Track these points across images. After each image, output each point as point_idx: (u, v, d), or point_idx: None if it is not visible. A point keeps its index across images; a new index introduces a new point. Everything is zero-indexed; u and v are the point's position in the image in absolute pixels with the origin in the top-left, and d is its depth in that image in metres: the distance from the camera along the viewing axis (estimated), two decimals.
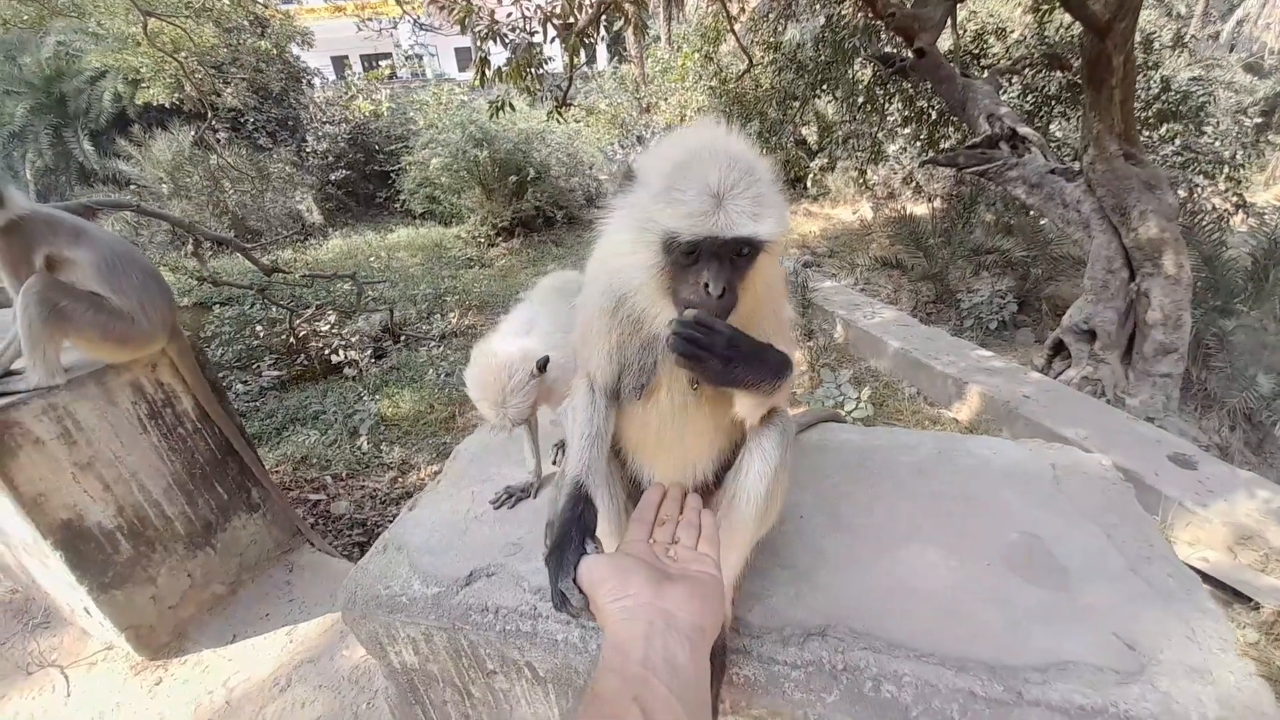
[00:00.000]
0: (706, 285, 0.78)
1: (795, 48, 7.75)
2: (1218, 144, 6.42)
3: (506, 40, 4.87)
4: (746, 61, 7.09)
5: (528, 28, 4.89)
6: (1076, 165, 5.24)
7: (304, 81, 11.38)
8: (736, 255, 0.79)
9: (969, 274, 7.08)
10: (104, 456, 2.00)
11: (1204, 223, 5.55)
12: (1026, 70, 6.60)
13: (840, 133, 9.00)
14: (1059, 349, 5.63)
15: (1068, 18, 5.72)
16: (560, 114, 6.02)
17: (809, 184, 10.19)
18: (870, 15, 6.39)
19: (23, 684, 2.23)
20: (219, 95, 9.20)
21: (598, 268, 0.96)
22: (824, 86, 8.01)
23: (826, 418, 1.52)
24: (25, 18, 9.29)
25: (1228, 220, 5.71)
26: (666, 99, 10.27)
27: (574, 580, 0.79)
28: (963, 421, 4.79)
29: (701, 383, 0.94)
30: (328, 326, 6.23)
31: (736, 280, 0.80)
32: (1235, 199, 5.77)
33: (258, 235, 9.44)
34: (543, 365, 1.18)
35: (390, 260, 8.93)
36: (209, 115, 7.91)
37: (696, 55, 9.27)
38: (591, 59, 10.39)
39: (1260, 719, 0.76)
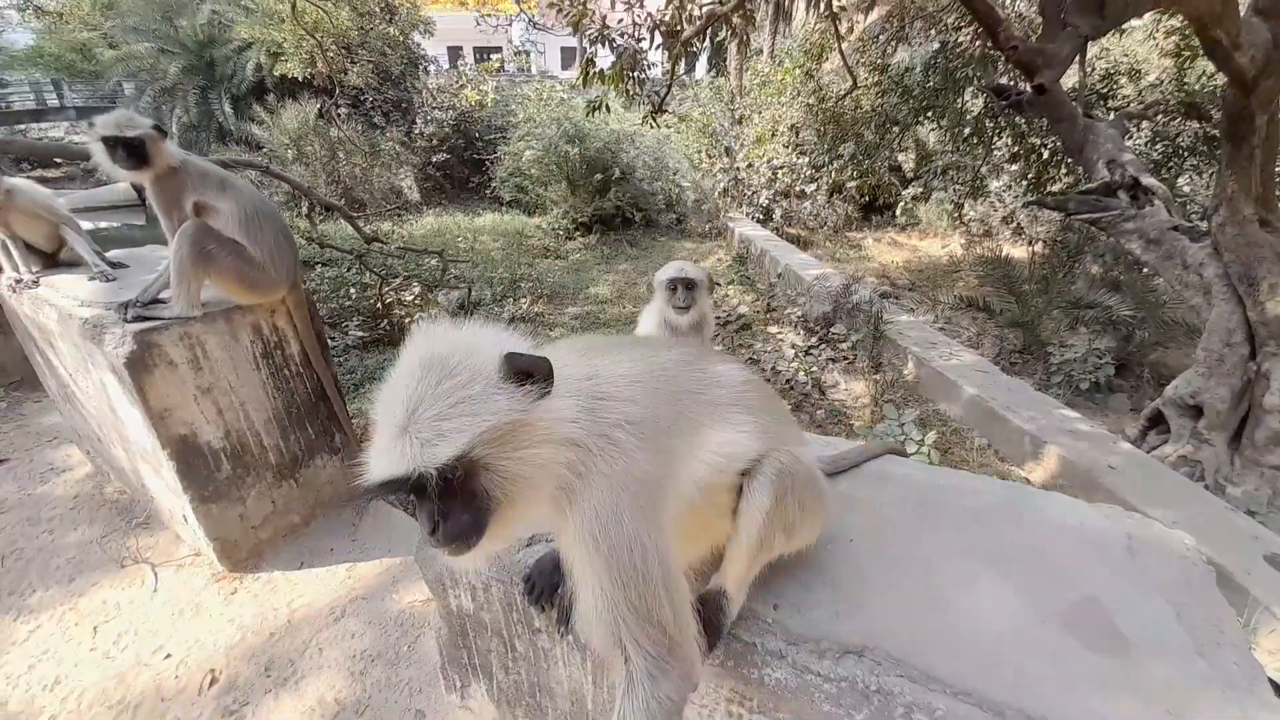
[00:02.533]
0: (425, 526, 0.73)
1: (903, 72, 7.54)
2: None
3: (614, 44, 5.05)
4: (850, 82, 6.96)
5: (636, 34, 5.04)
6: (1203, 225, 4.81)
7: (420, 68, 12.16)
8: (449, 480, 0.70)
9: (1064, 327, 6.61)
10: (222, 385, 2.26)
11: None
12: (1159, 117, 6.11)
13: (940, 163, 8.66)
14: (1157, 421, 5.18)
15: (1211, 65, 5.26)
16: (655, 119, 6.15)
17: (898, 212, 9.86)
18: (989, 46, 6.13)
19: (116, 575, 2.55)
20: (345, 74, 10.01)
21: None
22: (929, 114, 7.74)
23: (889, 450, 1.51)
24: None
25: None
26: (760, 112, 10.22)
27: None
28: (1035, 483, 4.50)
29: None
30: (411, 297, 6.65)
31: (469, 504, 0.73)
32: None
33: (362, 206, 10.18)
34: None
35: (474, 242, 9.39)
36: (335, 91, 8.61)
37: (798, 71, 9.18)
38: (691, 68, 10.50)
39: None
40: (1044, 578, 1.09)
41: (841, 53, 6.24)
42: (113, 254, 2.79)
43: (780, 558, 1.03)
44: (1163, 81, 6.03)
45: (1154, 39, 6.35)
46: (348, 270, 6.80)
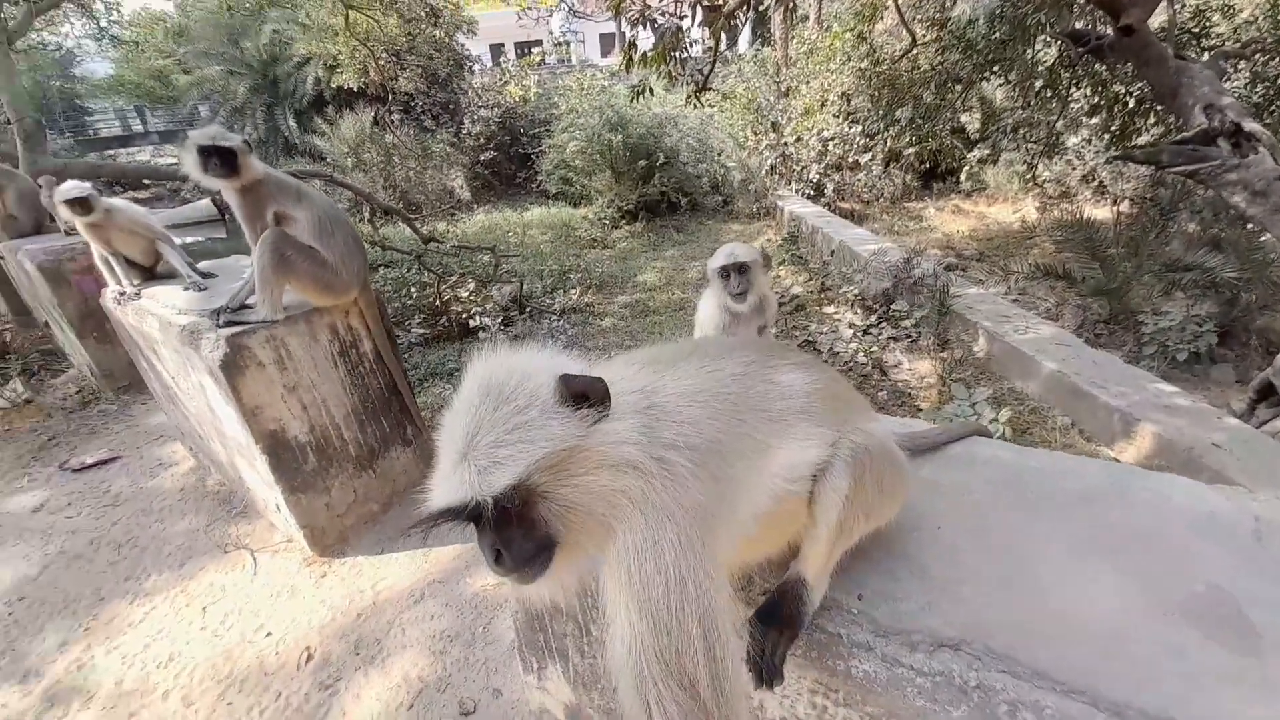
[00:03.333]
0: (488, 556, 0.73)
1: (966, 25, 7.02)
2: None
3: (655, 25, 4.95)
4: (909, 39, 6.56)
5: (678, 11, 4.93)
6: None
7: (465, 68, 12.41)
8: (506, 508, 0.69)
9: (1157, 293, 6.05)
10: (305, 382, 2.41)
11: None
12: (1258, 56, 5.43)
13: (1009, 121, 8.05)
14: (1267, 393, 4.67)
15: None
16: (699, 99, 6.02)
17: (962, 177, 9.27)
18: None
19: (220, 560, 2.78)
20: (396, 80, 10.35)
21: None
22: (995, 68, 7.18)
23: (973, 431, 1.42)
24: (248, 5, 11.05)
25: None
26: (808, 83, 9.82)
27: None
28: (1125, 462, 4.17)
29: None
30: (467, 293, 6.86)
31: (532, 531, 0.72)
32: None
33: (418, 208, 10.55)
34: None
35: (524, 236, 9.56)
36: (387, 98, 8.93)
37: (847, 35, 8.73)
38: (733, 42, 10.21)
39: None
40: (1159, 565, 1.00)
41: (898, 8, 5.88)
42: (202, 265, 3.01)
43: (860, 544, 0.99)
44: (1258, 17, 5.35)
45: None
46: (408, 271, 7.08)
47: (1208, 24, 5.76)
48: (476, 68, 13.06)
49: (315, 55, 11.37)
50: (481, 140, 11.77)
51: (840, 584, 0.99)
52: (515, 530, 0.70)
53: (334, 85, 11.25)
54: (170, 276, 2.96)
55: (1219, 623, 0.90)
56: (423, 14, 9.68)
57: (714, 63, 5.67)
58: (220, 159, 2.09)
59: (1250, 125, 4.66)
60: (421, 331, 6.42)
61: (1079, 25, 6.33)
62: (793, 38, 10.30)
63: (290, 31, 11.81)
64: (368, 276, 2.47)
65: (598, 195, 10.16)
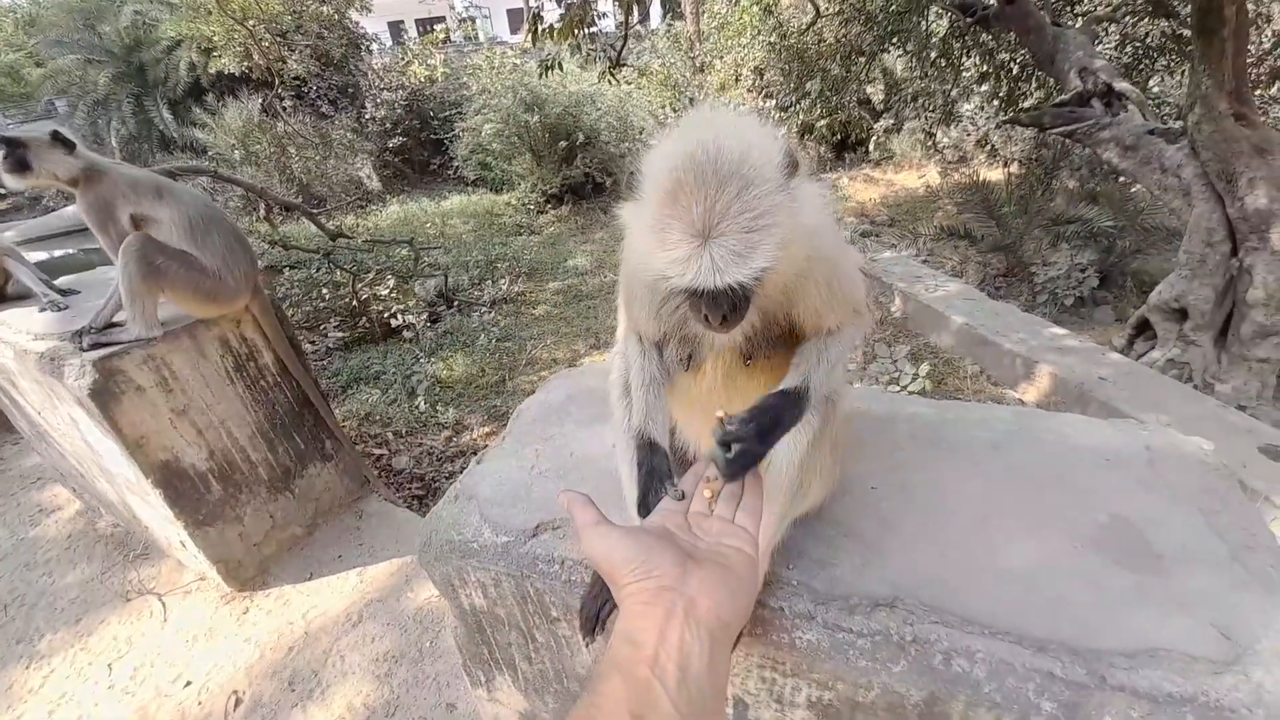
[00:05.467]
0: (708, 317, 0.76)
1: None
2: None
3: None
4: (813, 12, 6.69)
5: None
6: (1179, 126, 4.74)
7: (363, 48, 11.57)
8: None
9: (1046, 245, 6.59)
10: (197, 404, 2.17)
11: None
12: (1127, 18, 5.95)
13: (909, 91, 8.44)
14: (1143, 328, 5.22)
15: None
16: (614, 75, 5.89)
17: (871, 147, 9.67)
18: None
19: (122, 610, 2.50)
20: (284, 63, 9.49)
21: (630, 241, 0.93)
22: (894, 40, 7.49)
23: None
24: None
25: None
26: (722, 57, 9.87)
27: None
28: (1029, 403, 4.55)
29: (753, 357, 0.92)
30: (387, 291, 6.48)
31: (744, 302, 0.76)
32: None
33: (322, 201, 9.82)
34: None
35: (444, 227, 9.13)
36: (275, 83, 8.18)
37: (755, 9, 8.82)
38: (645, 17, 10.07)
39: None
40: (1069, 502, 1.06)
41: None
42: (62, 281, 2.63)
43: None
44: None
45: None
46: (316, 270, 6.58)
47: None
48: (375, 47, 12.20)
49: (187, 38, 10.21)
50: (388, 125, 11.07)
51: (779, 558, 0.98)
52: (736, 298, 0.75)
53: (212, 71, 10.18)
54: (23, 297, 2.57)
55: (1125, 549, 0.96)
56: None
57: (626, 38, 5.56)
58: (9, 152, 1.80)
59: (1120, 85, 5.10)
60: (340, 335, 6.01)
61: None
62: (703, 12, 10.28)
63: (154, 12, 10.53)
64: (259, 280, 2.23)
65: (519, 180, 9.84)
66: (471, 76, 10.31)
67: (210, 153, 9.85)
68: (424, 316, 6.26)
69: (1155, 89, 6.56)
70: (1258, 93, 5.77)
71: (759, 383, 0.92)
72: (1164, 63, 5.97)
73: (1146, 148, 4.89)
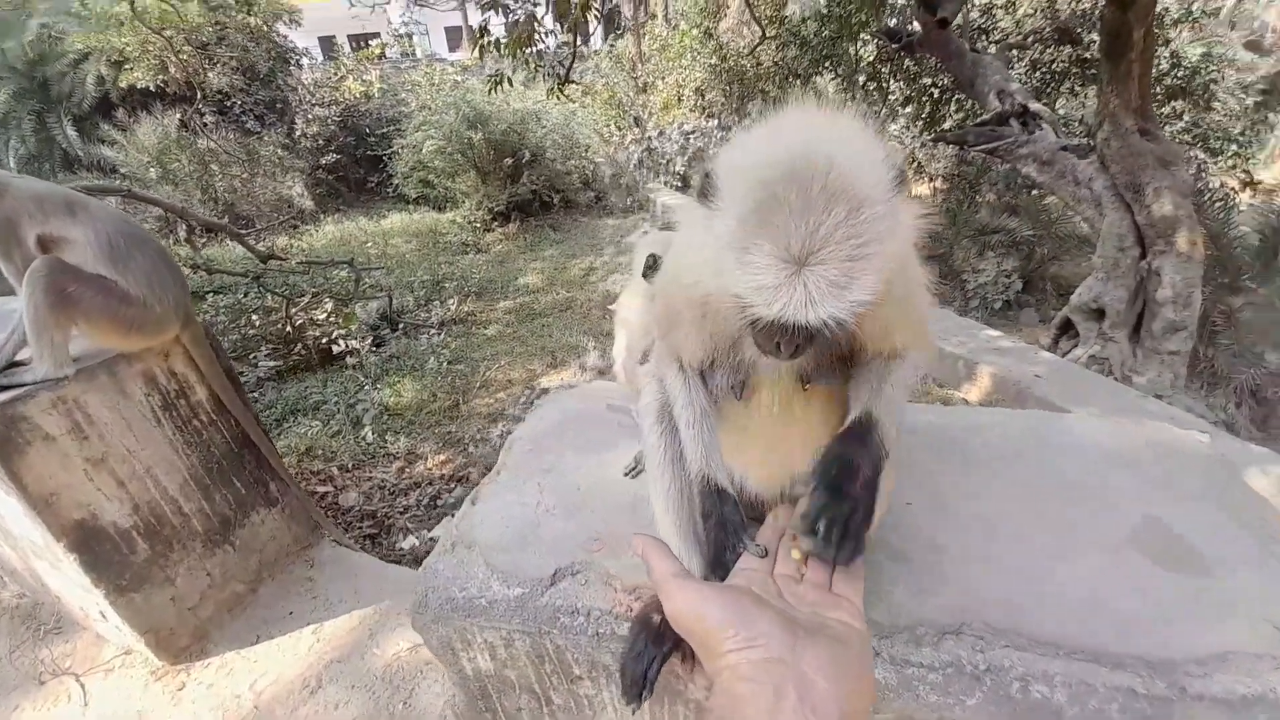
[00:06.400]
0: (780, 346, 0.67)
1: (800, 22, 7.59)
2: (1227, 121, 6.39)
3: (509, 11, 4.68)
4: (756, 35, 6.92)
5: None
6: (1089, 142, 5.18)
7: (292, 62, 11.00)
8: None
9: (974, 254, 7.02)
10: (117, 451, 1.88)
11: (1211, 200, 5.53)
12: (1036, 45, 6.50)
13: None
14: (1066, 328, 5.61)
15: None
16: (562, 91, 5.85)
17: None
18: None
19: (35, 694, 2.13)
20: (204, 77, 8.87)
21: (683, 253, 0.84)
22: (827, 64, 7.86)
23: None
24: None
25: (1234, 197, 5.69)
26: (664, 78, 10.05)
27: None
28: (973, 402, 4.76)
29: (812, 380, 0.85)
30: (324, 315, 6.08)
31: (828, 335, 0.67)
32: (1244, 176, 5.74)
33: (249, 222, 9.16)
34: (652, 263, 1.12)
35: (385, 247, 8.74)
36: (196, 98, 7.61)
37: (695, 31, 9.05)
38: (588, 38, 10.11)
39: None
40: (1100, 507, 1.05)
41: (749, 3, 6.16)
42: None
43: None
44: (1036, 11, 6.40)
45: None
46: (245, 295, 6.09)
47: (994, 20, 6.75)
48: (306, 62, 11.63)
49: (95, 50, 9.35)
50: (320, 142, 10.52)
51: None
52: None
53: (123, 84, 9.35)
54: None
55: (1163, 550, 0.95)
56: (233, 0, 8.36)
57: (574, 55, 5.52)
58: None
59: (1035, 106, 5.52)
60: (272, 364, 5.56)
61: (892, 24, 7.12)
62: (644, 34, 10.47)
63: (62, 24, 9.60)
64: (190, 306, 1.98)
65: (464, 197, 9.59)
66: (410, 93, 9.99)
67: (121, 171, 9.01)
68: (367, 341, 5.90)
69: (1062, 110, 7.18)
70: (1155, 110, 6.41)
71: (817, 410, 0.84)
72: (1068, 85, 6.54)
73: (1061, 162, 5.31)
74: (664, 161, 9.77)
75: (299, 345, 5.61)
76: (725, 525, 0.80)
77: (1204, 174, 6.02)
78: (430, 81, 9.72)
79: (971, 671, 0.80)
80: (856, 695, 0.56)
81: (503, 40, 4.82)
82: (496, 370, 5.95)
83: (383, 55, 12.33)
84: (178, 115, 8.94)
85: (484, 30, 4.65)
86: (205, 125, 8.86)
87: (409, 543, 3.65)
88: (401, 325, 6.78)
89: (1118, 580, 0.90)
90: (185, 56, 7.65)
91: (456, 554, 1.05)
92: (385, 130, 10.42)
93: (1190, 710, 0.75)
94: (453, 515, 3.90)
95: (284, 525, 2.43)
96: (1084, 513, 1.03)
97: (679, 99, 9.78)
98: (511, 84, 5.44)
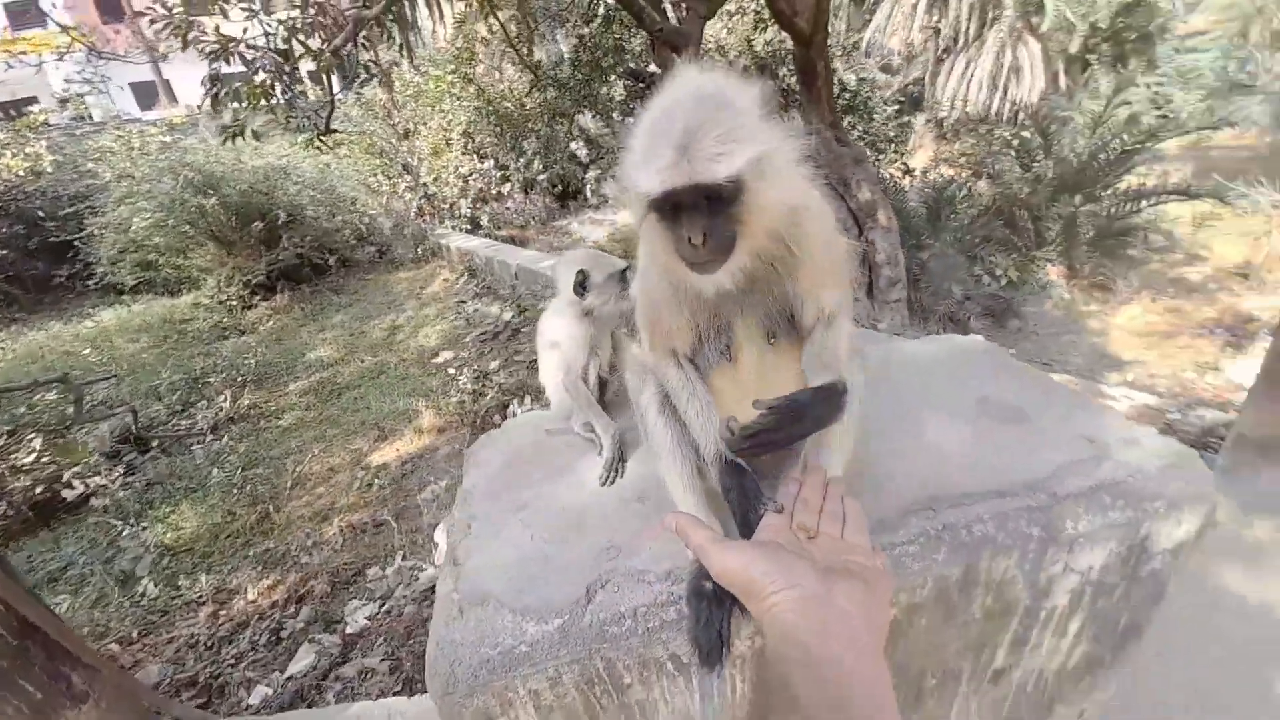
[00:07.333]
0: (689, 237, 0.79)
1: (554, 65, 8.13)
2: (884, 127, 8.65)
3: (245, 59, 4.14)
4: (532, 79, 7.22)
5: (271, 44, 4.22)
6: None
7: None
8: (717, 199, 0.77)
9: None
10: None
11: (889, 186, 7.42)
12: (776, 69, 7.98)
13: (608, 145, 9.70)
14: None
15: (771, 34, 7.11)
16: (323, 142, 5.36)
17: (589, 194, 10.75)
18: (621, 37, 7.06)
19: None
20: None
21: (643, 247, 0.97)
22: (585, 103, 8.56)
23: None
24: None
25: (900, 182, 7.74)
26: (426, 123, 9.79)
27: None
28: (932, 335, 5.63)
29: (776, 336, 1.00)
30: (31, 456, 4.60)
31: (725, 224, 0.80)
32: (903, 166, 7.84)
33: None
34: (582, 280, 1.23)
35: (108, 352, 6.88)
36: None
37: (451, 76, 9.04)
38: (351, 84, 9.21)
39: (1181, 459, 1.14)
40: (948, 393, 1.40)
41: (519, 52, 6.38)
42: None
43: None
44: (741, 53, 7.88)
45: (726, 19, 8.18)
46: None
47: (713, 60, 8.09)
48: None
49: None
50: None
51: None
52: (715, 219, 0.78)
53: None
54: None
55: (1005, 413, 1.32)
56: None
57: (332, 103, 5.10)
58: None
59: None
60: None
61: (634, 66, 8.07)
62: (395, 80, 10.07)
63: None
64: None
65: (204, 275, 8.06)
66: (101, 162, 8.03)
67: None
68: (116, 470, 4.60)
69: None
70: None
71: (788, 363, 0.99)
72: (776, 111, 8.17)
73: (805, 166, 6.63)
74: (447, 206, 9.50)
75: (3, 502, 4.13)
76: (746, 493, 0.92)
77: (879, 168, 8.05)
78: (128, 145, 7.95)
79: (935, 534, 1.03)
80: (880, 614, 0.70)
81: (240, 87, 4.25)
82: (311, 462, 5.17)
83: (45, 123, 9.53)
84: None
85: (216, 78, 4.05)
86: None
87: (258, 695, 3.00)
88: (157, 442, 5.45)
89: (984, 437, 1.23)
90: None
91: (470, 617, 0.95)
92: (68, 211, 8.20)
93: (1062, 507, 1.07)
94: (313, 640, 3.27)
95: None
96: (941, 400, 1.38)
97: (447, 143, 9.61)
98: (257, 136, 4.79)
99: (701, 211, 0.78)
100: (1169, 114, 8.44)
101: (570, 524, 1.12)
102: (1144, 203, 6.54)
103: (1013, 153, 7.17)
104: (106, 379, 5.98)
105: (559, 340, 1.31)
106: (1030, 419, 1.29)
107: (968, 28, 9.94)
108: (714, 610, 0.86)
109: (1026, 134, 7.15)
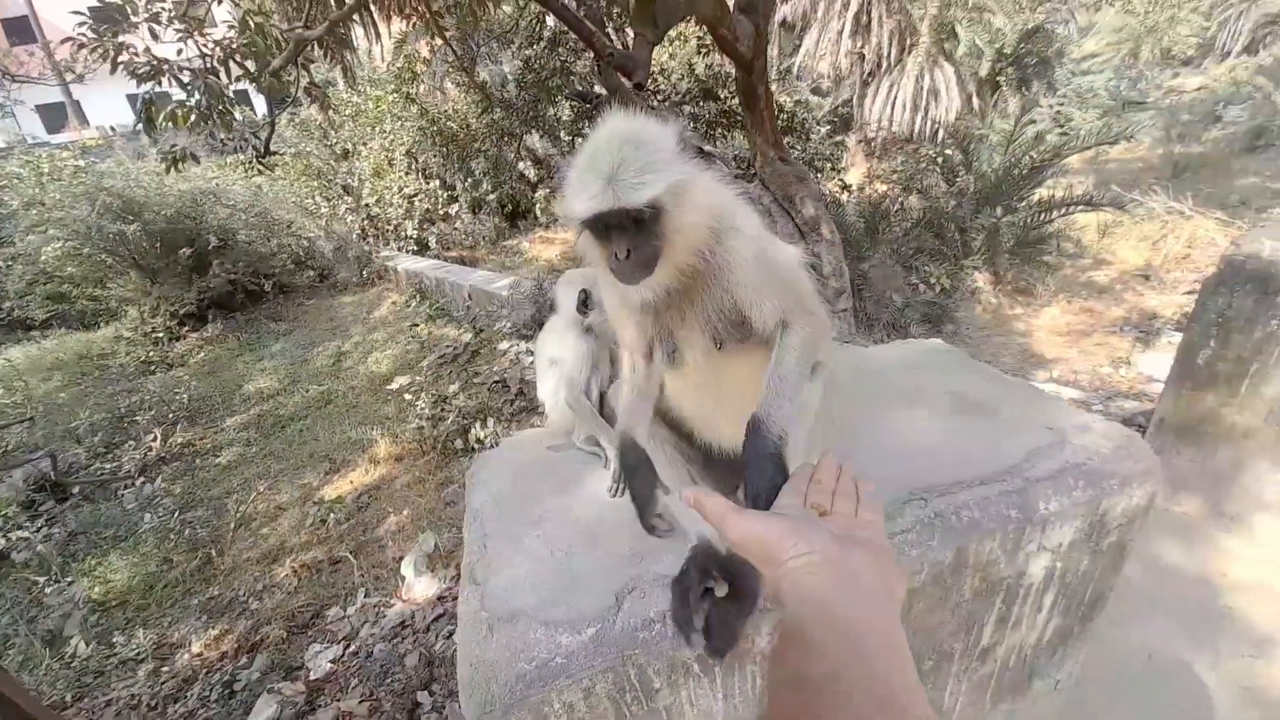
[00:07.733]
0: (616, 253, 0.92)
1: (501, 86, 8.13)
2: (820, 146, 9.12)
3: (184, 81, 3.94)
4: (481, 99, 7.16)
5: (207, 64, 4.04)
6: (751, 171, 6.83)
7: None
8: (639, 221, 0.90)
9: None
10: None
11: (829, 202, 7.82)
12: (691, 101, 8.27)
13: (556, 165, 9.76)
14: None
15: (713, 59, 7.41)
16: (262, 163, 5.15)
17: (538, 213, 10.74)
18: (566, 60, 7.17)
19: None
20: None
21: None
22: (533, 124, 8.58)
23: None
24: None
25: (840, 198, 8.17)
26: (366, 143, 9.53)
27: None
28: (899, 342, 5.77)
29: (724, 345, 1.06)
30: None
31: (647, 242, 0.91)
32: (840, 182, 8.28)
33: None
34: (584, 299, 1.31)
35: (21, 392, 6.26)
36: None
37: (393, 96, 8.87)
38: (296, 103, 8.80)
39: (1128, 440, 1.28)
40: (919, 392, 1.52)
41: (469, 72, 6.33)
42: None
43: None
44: (685, 77, 8.15)
45: (669, 44, 8.45)
46: None
47: (656, 84, 8.31)
48: None
49: None
50: None
51: None
52: (639, 238, 0.91)
53: None
54: None
55: (974, 407, 1.44)
56: None
57: (273, 125, 4.91)
58: None
59: (707, 148, 7.01)
60: None
61: (580, 88, 8.19)
62: (333, 99, 9.76)
63: None
64: None
65: (125, 306, 7.50)
66: (7, 189, 7.36)
67: None
68: (38, 521, 4.20)
69: (712, 151, 9.25)
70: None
71: (739, 367, 1.06)
72: (720, 131, 8.47)
73: (737, 188, 6.89)
74: (391, 227, 9.25)
75: None
76: (643, 480, 1.05)
77: (819, 184, 8.47)
78: (37, 171, 7.33)
79: (928, 522, 1.12)
80: (896, 584, 0.71)
81: (178, 110, 4.05)
82: (255, 501, 4.88)
83: None
84: None
85: (150, 102, 3.84)
86: None
87: None
88: (77, 488, 5.01)
89: (960, 431, 1.35)
90: None
91: (501, 634, 0.95)
92: None
93: (1035, 489, 1.18)
94: (273, 690, 3.07)
95: None
96: (915, 398, 1.49)
97: (390, 163, 9.39)
98: (197, 160, 4.54)
99: (628, 231, 0.91)
100: (1068, 131, 9.33)
101: (587, 535, 1.13)
102: (1055, 213, 7.18)
103: (938, 169, 7.71)
104: (20, 422, 5.44)
105: (559, 358, 1.33)
106: (998, 411, 1.41)
107: (889, 53, 10.71)
108: (690, 594, 0.95)
109: (949, 152, 7.73)
